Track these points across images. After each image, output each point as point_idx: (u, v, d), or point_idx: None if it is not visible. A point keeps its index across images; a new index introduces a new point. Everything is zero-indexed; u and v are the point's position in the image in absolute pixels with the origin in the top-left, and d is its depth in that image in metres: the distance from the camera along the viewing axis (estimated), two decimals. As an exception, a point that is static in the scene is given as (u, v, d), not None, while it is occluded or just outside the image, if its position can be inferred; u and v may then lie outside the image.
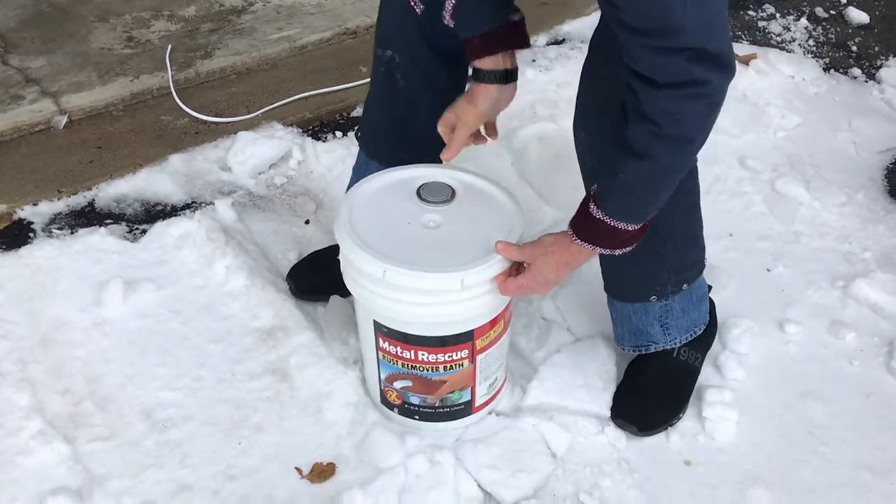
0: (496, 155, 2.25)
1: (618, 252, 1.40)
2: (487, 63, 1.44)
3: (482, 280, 1.40)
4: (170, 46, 2.51)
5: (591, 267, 1.90)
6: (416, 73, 1.57)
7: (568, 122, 2.36)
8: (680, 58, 1.15)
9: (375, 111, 1.67)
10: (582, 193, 1.44)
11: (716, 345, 1.81)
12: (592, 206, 1.35)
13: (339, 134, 2.29)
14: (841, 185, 2.25)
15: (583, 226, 1.38)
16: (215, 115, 2.30)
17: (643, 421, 1.64)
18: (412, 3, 1.47)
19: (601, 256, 1.47)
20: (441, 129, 1.51)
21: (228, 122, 2.27)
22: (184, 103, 2.32)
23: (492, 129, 1.56)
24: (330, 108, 2.37)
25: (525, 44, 1.46)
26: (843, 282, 1.97)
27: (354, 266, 1.43)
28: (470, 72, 1.48)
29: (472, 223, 1.48)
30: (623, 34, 1.19)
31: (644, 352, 1.69)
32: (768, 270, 2.01)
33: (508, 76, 1.46)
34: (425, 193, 1.51)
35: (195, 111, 2.30)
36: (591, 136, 1.48)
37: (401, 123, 1.63)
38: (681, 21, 1.12)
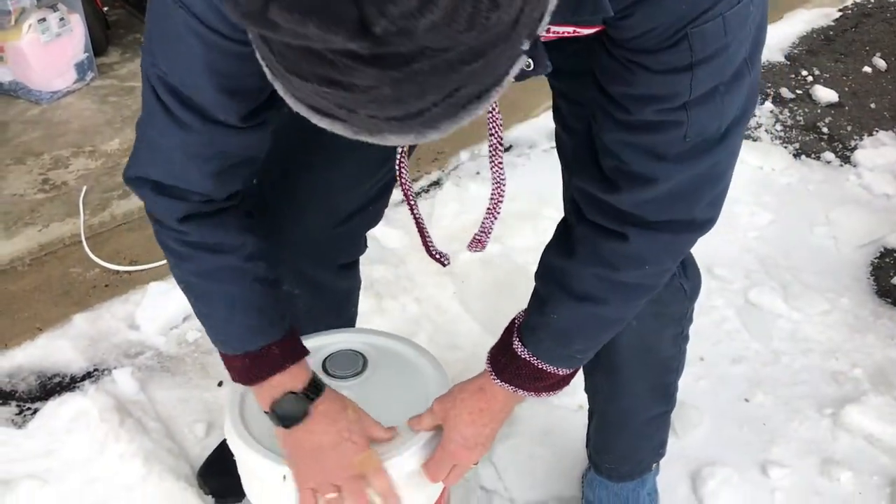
0: (437, 284, 2.04)
1: (543, 396, 1.13)
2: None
3: (404, 473, 1.14)
4: (84, 188, 2.33)
5: (529, 413, 1.68)
6: None
7: (514, 241, 2.19)
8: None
9: None
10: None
11: (691, 501, 1.56)
12: (517, 342, 1.08)
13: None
14: (822, 289, 2.02)
15: (503, 363, 1.10)
16: (130, 263, 2.09)
17: None
18: None
19: (597, 435, 1.22)
20: None
21: (143, 270, 2.07)
22: (96, 251, 2.12)
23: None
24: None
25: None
26: (833, 409, 1.73)
27: (248, 469, 1.19)
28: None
29: (388, 400, 1.23)
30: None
31: None
32: (746, 400, 1.77)
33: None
34: (332, 367, 1.28)
35: (107, 260, 2.09)
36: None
37: None
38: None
